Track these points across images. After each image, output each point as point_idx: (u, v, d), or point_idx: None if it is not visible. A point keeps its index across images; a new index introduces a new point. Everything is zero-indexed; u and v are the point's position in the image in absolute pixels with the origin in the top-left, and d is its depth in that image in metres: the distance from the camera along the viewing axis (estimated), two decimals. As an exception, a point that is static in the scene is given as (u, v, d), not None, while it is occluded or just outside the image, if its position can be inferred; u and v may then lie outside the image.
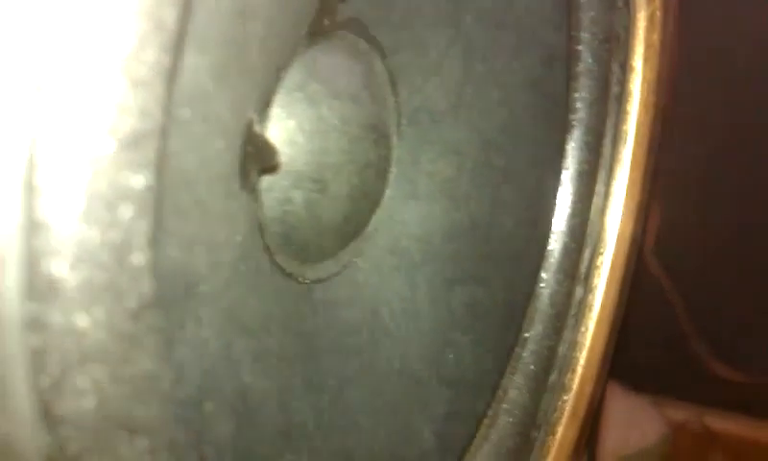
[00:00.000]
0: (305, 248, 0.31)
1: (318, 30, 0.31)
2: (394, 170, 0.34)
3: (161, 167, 0.17)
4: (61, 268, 0.15)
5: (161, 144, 0.16)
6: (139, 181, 0.16)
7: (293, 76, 0.29)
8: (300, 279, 0.31)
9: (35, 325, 0.15)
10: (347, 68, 0.32)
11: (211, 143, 0.23)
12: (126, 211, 0.16)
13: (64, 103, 0.15)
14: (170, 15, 0.17)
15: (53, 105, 0.15)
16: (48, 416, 0.15)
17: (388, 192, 0.35)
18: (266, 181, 0.29)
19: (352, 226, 0.33)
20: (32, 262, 0.15)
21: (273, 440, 0.28)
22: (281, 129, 0.29)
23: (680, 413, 1.28)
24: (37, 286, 0.15)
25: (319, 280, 0.32)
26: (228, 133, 0.24)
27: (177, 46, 0.17)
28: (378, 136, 0.33)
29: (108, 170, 0.16)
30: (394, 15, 0.33)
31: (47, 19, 0.15)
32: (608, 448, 1.02)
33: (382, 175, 0.34)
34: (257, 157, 0.27)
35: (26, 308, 0.15)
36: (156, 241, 0.16)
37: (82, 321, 0.16)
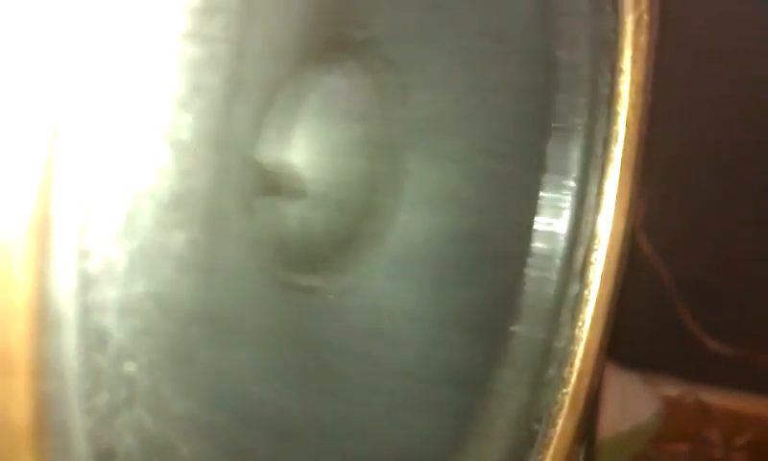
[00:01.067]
0: (319, 261, 0.33)
1: (333, 54, 0.32)
2: (403, 182, 0.36)
3: (202, 224, 0.18)
4: (110, 320, 0.17)
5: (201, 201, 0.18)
6: (180, 238, 0.18)
7: (310, 99, 0.31)
8: (314, 292, 0.33)
9: (88, 373, 0.16)
10: (360, 88, 0.34)
11: (227, 174, 0.25)
12: (166, 267, 0.18)
13: (111, 170, 0.17)
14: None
15: (101, 172, 0.17)
16: (99, 453, 0.17)
17: (396, 204, 0.36)
18: (284, 201, 0.30)
19: (364, 238, 0.35)
20: (85, 316, 0.16)
21: (298, 451, 0.30)
22: (299, 151, 0.31)
23: (673, 389, 1.29)
24: (90, 338, 0.17)
25: (331, 292, 0.34)
26: (247, 161, 0.26)
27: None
28: (390, 152, 0.34)
29: (152, 231, 0.17)
30: (403, 34, 0.35)
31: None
32: (602, 426, 1.03)
33: (393, 188, 0.35)
34: (275, 185, 0.28)
35: (81, 358, 0.16)
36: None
37: (129, 367, 0.17)
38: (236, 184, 0.25)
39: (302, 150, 0.31)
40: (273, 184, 0.28)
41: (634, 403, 1.18)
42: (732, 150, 1.25)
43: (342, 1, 0.30)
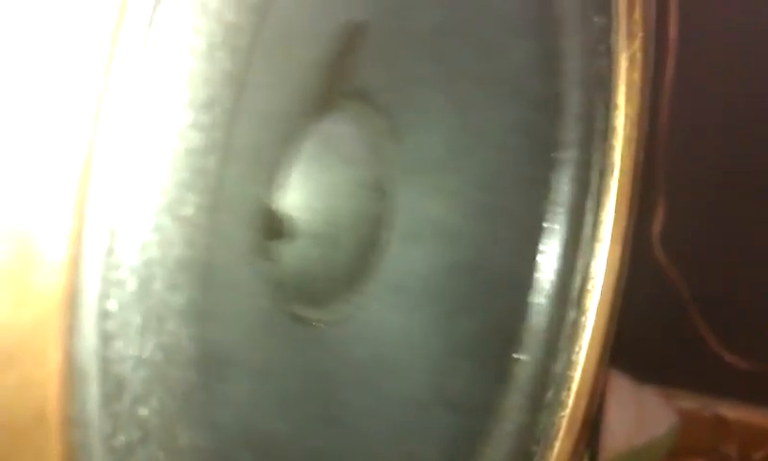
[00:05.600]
0: (319, 295, 0.35)
1: (327, 102, 0.34)
2: (395, 218, 0.38)
3: (204, 284, 0.20)
4: (126, 370, 0.19)
5: (204, 263, 0.20)
6: (185, 295, 0.20)
7: (305, 147, 0.33)
8: (314, 324, 0.35)
9: (108, 419, 0.19)
10: (354, 134, 0.36)
11: (225, 225, 0.27)
12: (173, 322, 0.20)
13: (127, 244, 0.19)
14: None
15: (120, 246, 0.19)
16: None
17: (390, 238, 0.38)
18: (282, 243, 0.32)
19: (359, 272, 0.37)
20: (105, 369, 0.19)
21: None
22: (298, 197, 0.33)
23: (690, 403, 1.30)
24: (109, 388, 0.19)
25: (331, 323, 0.36)
26: (241, 212, 0.28)
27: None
28: (384, 192, 0.36)
29: (161, 292, 0.20)
30: (395, 81, 0.37)
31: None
32: (618, 440, 1.04)
33: (387, 224, 0.37)
34: (275, 231, 0.30)
35: (102, 407, 0.19)
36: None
37: (143, 411, 0.20)
38: (239, 237, 0.27)
39: (298, 194, 0.33)
40: (273, 230, 0.30)
41: (650, 417, 1.18)
42: (751, 161, 1.25)
43: (332, 53, 0.32)
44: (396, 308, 0.38)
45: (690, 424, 1.20)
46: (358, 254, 0.36)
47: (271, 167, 0.30)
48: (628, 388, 1.10)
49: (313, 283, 0.34)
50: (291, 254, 0.33)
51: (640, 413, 1.18)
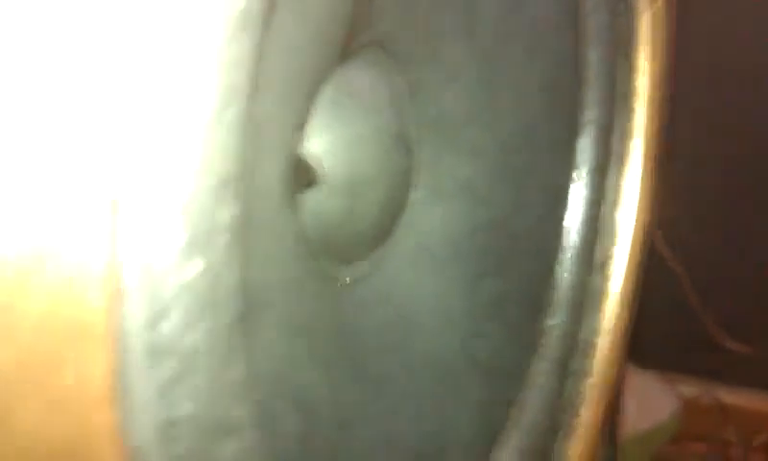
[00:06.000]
0: (342, 251, 0.34)
1: (347, 51, 0.33)
2: (418, 175, 0.37)
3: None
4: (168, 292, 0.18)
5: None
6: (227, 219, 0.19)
7: (327, 94, 0.32)
8: (339, 281, 0.34)
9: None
10: (373, 84, 0.35)
11: (260, 169, 0.26)
12: (215, 252, 0.19)
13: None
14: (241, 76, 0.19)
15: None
16: (165, 420, 0.18)
17: (414, 195, 0.37)
18: (307, 193, 0.31)
19: (383, 228, 0.36)
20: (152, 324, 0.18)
21: (329, 432, 0.31)
22: (319, 145, 0.32)
23: (692, 388, 1.29)
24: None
25: (355, 281, 0.35)
26: (273, 157, 0.27)
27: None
28: (403, 145, 0.35)
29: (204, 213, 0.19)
30: (413, 33, 0.36)
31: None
32: (622, 425, 1.03)
33: (408, 180, 0.36)
34: (299, 177, 0.29)
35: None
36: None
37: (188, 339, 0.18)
38: (266, 185, 0.26)
39: (320, 142, 0.32)
40: (301, 179, 0.29)
41: (652, 403, 1.18)
42: (751, 149, 1.25)
43: (355, 1, 0.31)
44: (420, 268, 0.37)
45: (692, 409, 1.20)
46: (383, 209, 0.35)
47: (298, 114, 0.29)
48: (631, 374, 1.10)
49: (338, 238, 0.33)
50: (315, 206, 0.32)
51: (644, 399, 1.18)
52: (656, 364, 1.26)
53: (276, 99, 0.27)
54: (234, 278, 0.19)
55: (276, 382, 0.26)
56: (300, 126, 0.29)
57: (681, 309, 1.32)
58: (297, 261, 0.30)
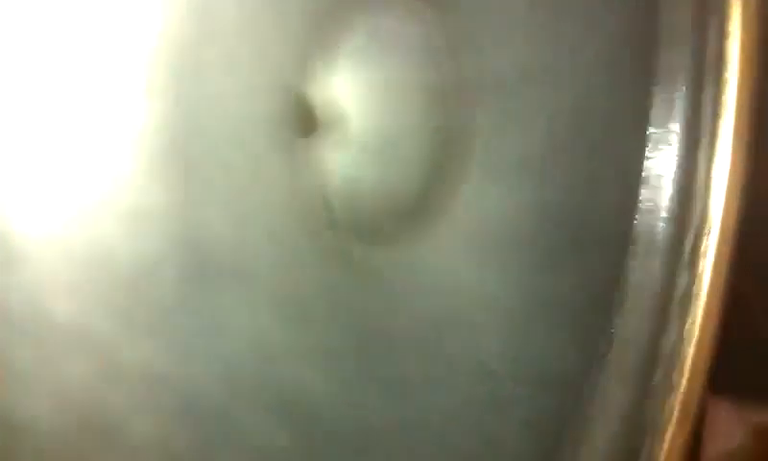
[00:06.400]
0: (374, 229, 0.28)
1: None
2: (463, 144, 0.31)
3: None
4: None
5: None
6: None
7: (348, 37, 0.26)
8: (366, 264, 0.28)
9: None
10: (405, 30, 0.29)
11: (242, 100, 0.21)
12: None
13: None
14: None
15: None
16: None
17: (459, 168, 0.31)
18: (322, 150, 0.25)
19: (423, 203, 0.30)
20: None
21: (342, 444, 0.25)
22: (346, 90, 0.26)
23: (764, 415, 1.23)
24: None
25: (386, 266, 0.29)
26: (260, 90, 0.21)
27: None
28: (457, 105, 0.29)
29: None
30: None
31: None
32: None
33: (460, 149, 0.30)
34: (298, 119, 0.23)
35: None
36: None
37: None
38: (270, 117, 0.21)
39: (350, 90, 0.26)
40: (314, 121, 0.23)
41: (722, 430, 1.12)
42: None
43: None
44: (469, 256, 0.31)
45: (763, 436, 1.14)
46: (423, 180, 0.29)
47: (299, 49, 0.23)
48: (729, 408, 1.04)
49: (367, 211, 0.28)
50: (339, 166, 0.26)
51: (712, 426, 1.12)
52: (726, 389, 1.19)
53: (289, 24, 0.21)
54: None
55: (264, 378, 0.20)
56: (302, 64, 0.23)
57: (751, 334, 1.25)
58: (305, 231, 0.24)
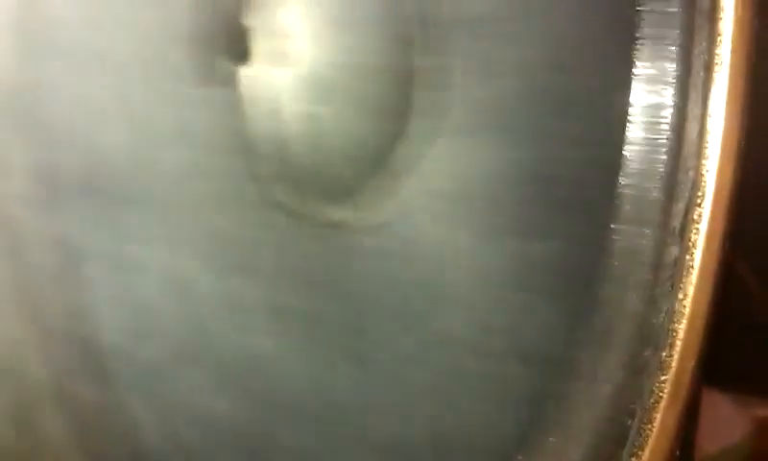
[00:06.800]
0: (341, 189, 0.25)
1: None
2: (432, 91, 0.28)
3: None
4: None
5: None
6: None
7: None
8: (333, 227, 0.25)
9: None
10: None
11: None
12: None
13: None
14: None
15: None
16: None
17: (429, 119, 0.28)
18: (259, 86, 0.22)
19: (399, 163, 0.27)
20: None
21: (303, 425, 0.22)
22: (284, 22, 0.23)
23: (765, 410, 1.21)
24: None
25: (356, 228, 0.26)
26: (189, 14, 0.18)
27: None
28: (428, 49, 0.26)
29: None
30: None
31: None
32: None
33: (432, 100, 0.27)
34: (228, 42, 0.20)
35: None
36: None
37: None
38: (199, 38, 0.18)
39: (301, 13, 0.23)
40: (248, 48, 0.20)
41: (723, 425, 1.11)
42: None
43: None
44: (447, 220, 0.28)
45: (765, 431, 1.12)
46: (387, 130, 0.26)
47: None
48: (730, 404, 1.03)
49: (332, 169, 0.25)
50: (266, 103, 0.23)
51: (713, 420, 1.10)
52: (727, 384, 1.18)
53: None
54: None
55: (215, 337, 0.17)
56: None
57: (753, 326, 1.23)
58: (262, 190, 0.21)
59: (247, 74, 0.22)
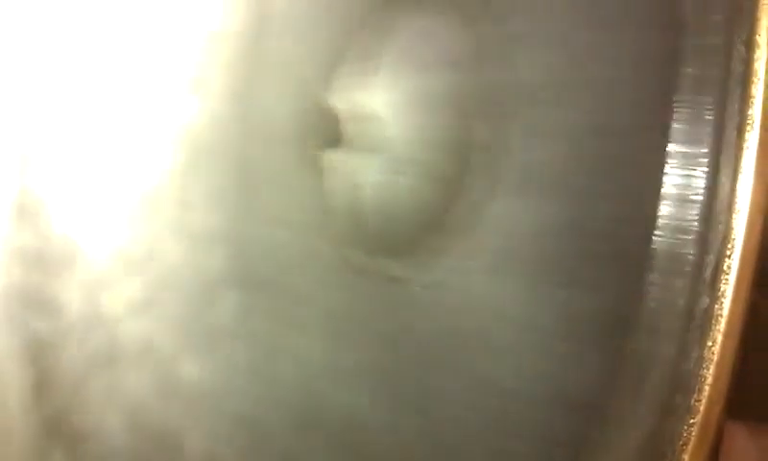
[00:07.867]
0: (402, 246, 0.27)
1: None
2: (502, 158, 0.30)
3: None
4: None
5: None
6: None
7: (395, 39, 0.25)
8: (393, 281, 0.27)
9: None
10: (456, 34, 0.28)
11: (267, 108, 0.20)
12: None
13: None
14: None
15: None
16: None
17: (486, 183, 0.30)
18: (337, 160, 0.24)
19: (455, 223, 0.29)
20: None
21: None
22: (378, 99, 0.25)
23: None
24: None
25: (414, 283, 0.28)
26: (284, 98, 0.20)
27: None
28: (488, 117, 0.28)
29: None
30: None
31: None
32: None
33: (490, 163, 0.29)
34: (323, 131, 0.22)
35: None
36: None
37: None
38: (296, 130, 0.20)
39: (382, 98, 0.25)
40: (342, 133, 0.22)
41: (738, 456, 1.09)
42: None
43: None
44: (495, 275, 0.30)
45: None
46: (454, 195, 0.28)
47: (324, 57, 0.22)
48: (745, 433, 1.02)
49: (396, 227, 0.27)
50: (369, 178, 0.25)
51: (728, 451, 1.09)
52: (742, 414, 1.17)
53: (321, 33, 0.20)
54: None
55: (282, 386, 0.19)
56: (326, 72, 0.22)
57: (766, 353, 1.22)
58: (333, 248, 0.23)
59: (337, 158, 0.24)
